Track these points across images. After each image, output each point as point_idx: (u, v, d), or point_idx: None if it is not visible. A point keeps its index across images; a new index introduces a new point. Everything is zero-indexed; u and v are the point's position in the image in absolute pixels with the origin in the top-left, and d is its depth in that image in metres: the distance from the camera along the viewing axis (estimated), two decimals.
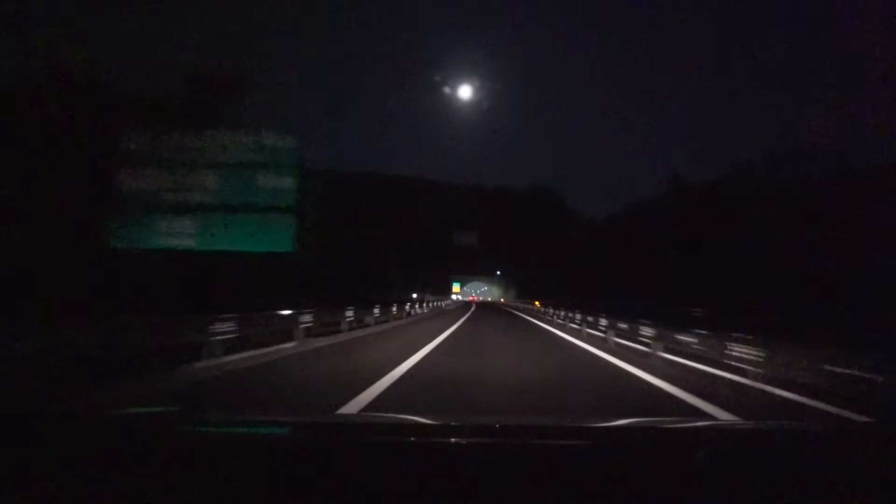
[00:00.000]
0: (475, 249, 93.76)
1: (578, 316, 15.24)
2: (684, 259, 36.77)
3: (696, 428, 1.71)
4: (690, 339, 7.40)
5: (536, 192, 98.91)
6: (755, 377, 5.62)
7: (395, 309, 18.88)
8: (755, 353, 5.68)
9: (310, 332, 9.84)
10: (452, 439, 1.21)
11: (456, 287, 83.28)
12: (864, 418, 3.99)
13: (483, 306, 43.37)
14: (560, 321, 18.96)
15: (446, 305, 40.02)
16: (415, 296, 44.21)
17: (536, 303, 45.02)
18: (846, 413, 4.26)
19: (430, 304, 32.49)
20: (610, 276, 54.23)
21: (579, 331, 14.35)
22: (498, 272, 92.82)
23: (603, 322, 11.75)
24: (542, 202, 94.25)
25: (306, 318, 9.69)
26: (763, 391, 5.30)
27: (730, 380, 6.06)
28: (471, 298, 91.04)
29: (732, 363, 6.12)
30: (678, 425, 1.73)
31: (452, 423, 1.42)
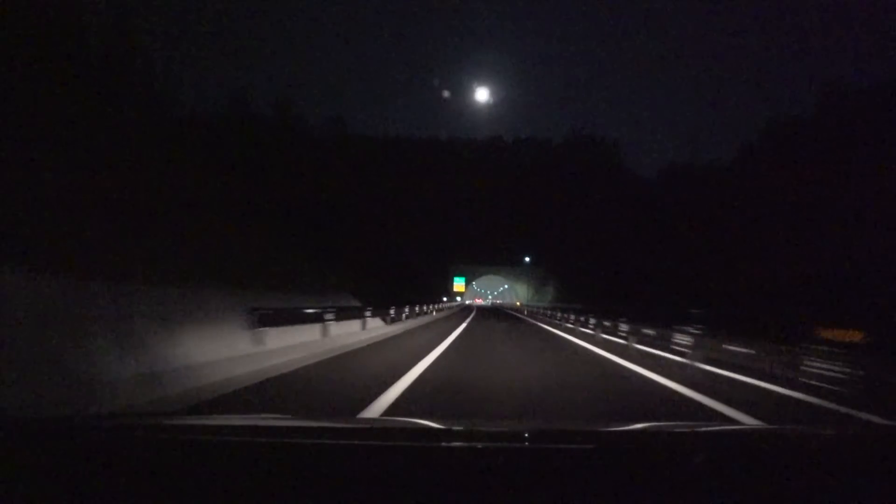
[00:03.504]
0: (488, 229, 67.72)
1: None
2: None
3: (702, 432, 1.61)
4: None
5: (579, 142, 70.50)
6: None
7: None
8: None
9: None
10: (462, 443, 1.24)
11: (459, 284, 57.63)
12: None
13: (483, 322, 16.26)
14: None
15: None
16: None
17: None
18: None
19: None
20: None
21: None
22: (527, 259, 65.86)
23: None
24: (588, 156, 66.12)
25: None
26: None
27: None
28: (476, 301, 65.69)
29: None
30: (685, 429, 1.67)
31: (462, 428, 1.43)
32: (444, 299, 38.90)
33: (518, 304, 61.80)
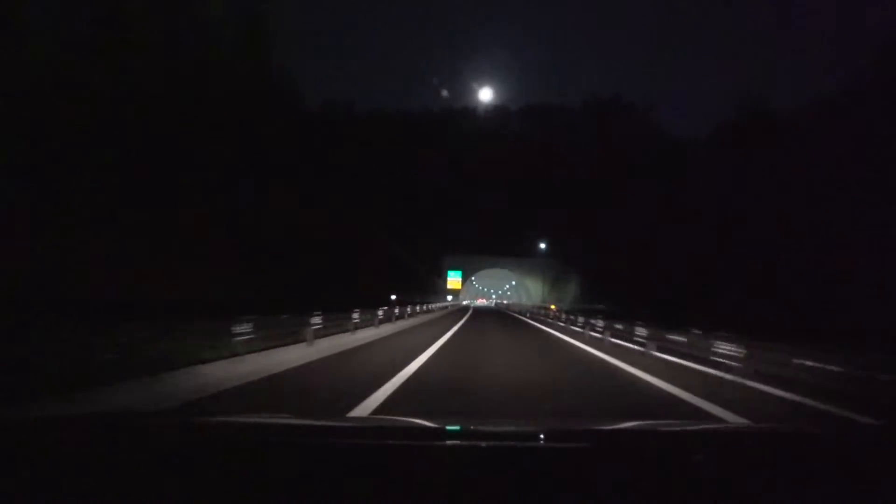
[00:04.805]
0: (490, 213, 56.20)
1: None
2: None
3: (700, 431, 1.62)
4: None
5: (601, 107, 58.70)
6: None
7: None
8: None
9: None
10: (457, 442, 1.24)
11: (454, 280, 46.91)
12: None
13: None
14: None
15: None
16: None
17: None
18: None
19: None
20: None
21: None
22: (542, 245, 54.39)
23: None
24: (613, 122, 54.40)
25: None
26: None
27: None
28: (479, 301, 55.28)
29: None
30: (680, 428, 1.68)
31: (458, 427, 1.44)
32: (393, 297, 27.52)
33: (552, 307, 32.21)
